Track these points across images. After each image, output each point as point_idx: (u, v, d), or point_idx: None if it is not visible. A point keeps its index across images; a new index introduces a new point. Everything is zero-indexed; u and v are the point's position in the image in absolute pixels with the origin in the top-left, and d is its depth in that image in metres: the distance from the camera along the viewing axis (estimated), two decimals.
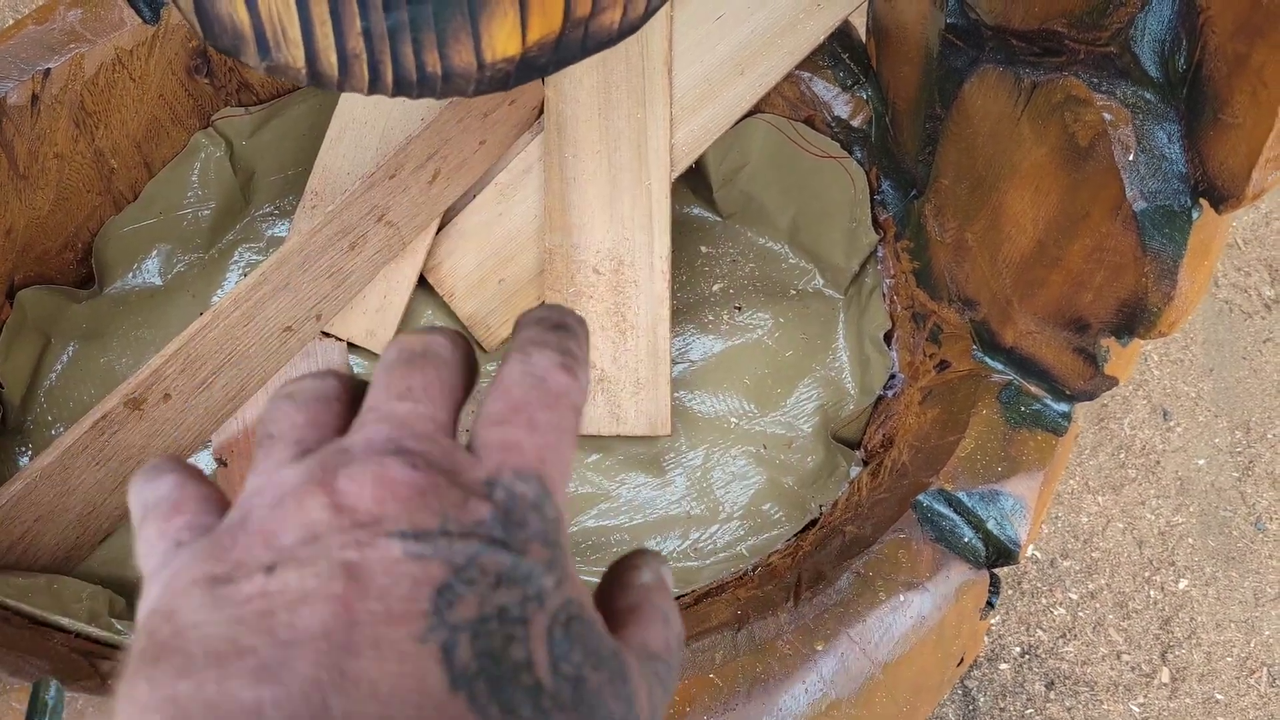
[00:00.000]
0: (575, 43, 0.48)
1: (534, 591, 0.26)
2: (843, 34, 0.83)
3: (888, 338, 0.84)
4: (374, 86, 0.49)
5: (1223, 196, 0.54)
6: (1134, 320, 0.61)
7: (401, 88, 0.49)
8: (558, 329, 0.31)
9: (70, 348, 0.82)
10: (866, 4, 0.82)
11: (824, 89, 0.83)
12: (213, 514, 0.30)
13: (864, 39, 0.83)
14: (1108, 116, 0.57)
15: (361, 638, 0.24)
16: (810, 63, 0.83)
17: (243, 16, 0.47)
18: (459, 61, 0.47)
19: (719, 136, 0.84)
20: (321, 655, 0.24)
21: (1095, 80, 0.58)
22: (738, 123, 0.85)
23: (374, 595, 0.25)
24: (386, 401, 0.29)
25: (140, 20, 0.78)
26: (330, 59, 0.48)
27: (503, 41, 0.46)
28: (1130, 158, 0.56)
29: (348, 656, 0.24)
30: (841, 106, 0.83)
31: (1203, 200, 0.56)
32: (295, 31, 0.47)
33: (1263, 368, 1.12)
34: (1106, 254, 0.60)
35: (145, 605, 0.28)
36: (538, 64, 0.48)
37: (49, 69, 0.75)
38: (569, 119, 0.83)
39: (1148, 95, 0.56)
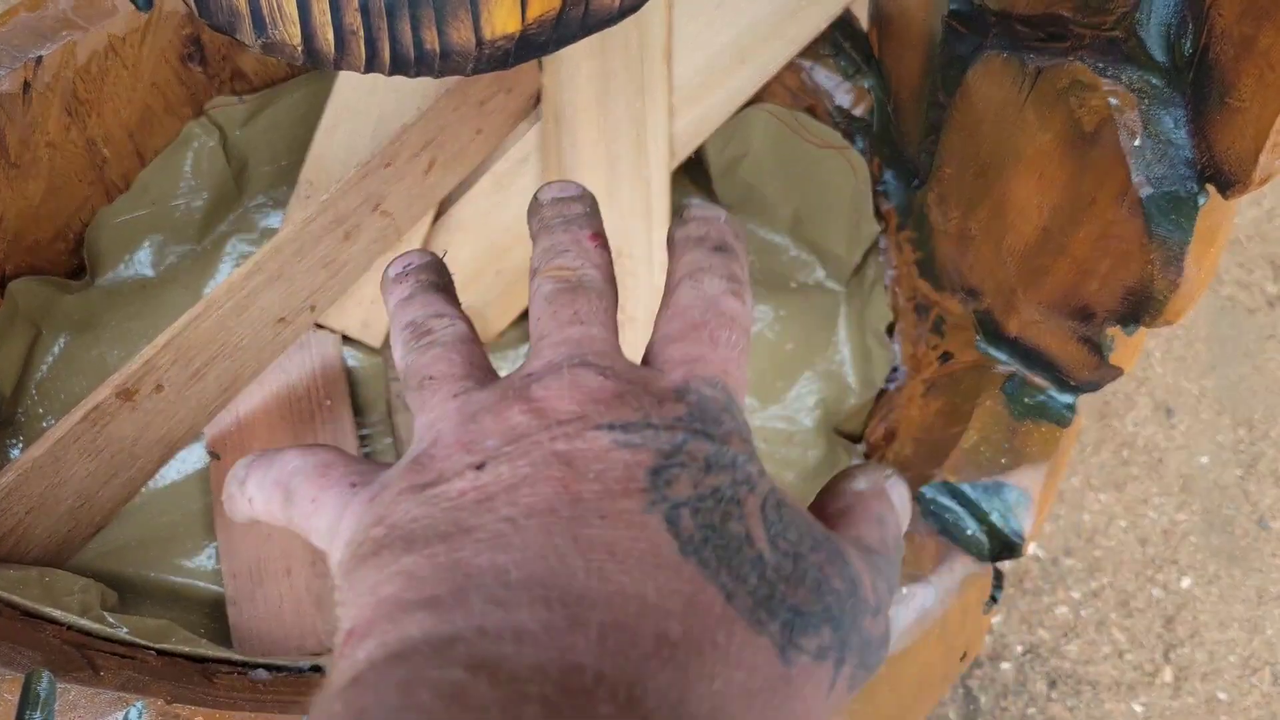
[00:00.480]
0: (576, 20, 0.47)
1: (742, 476, 0.26)
2: (844, 22, 0.83)
3: (890, 330, 0.83)
4: (371, 64, 0.48)
5: (1230, 181, 0.53)
6: (1140, 308, 0.60)
7: (399, 65, 0.48)
8: (720, 251, 0.32)
9: (61, 339, 0.81)
10: None
11: (825, 78, 0.82)
12: (367, 463, 0.30)
13: (866, 27, 0.83)
14: (1114, 101, 0.56)
15: (587, 510, 0.24)
16: (811, 51, 0.82)
17: None
18: (458, 39, 0.46)
19: (719, 126, 0.83)
20: (551, 524, 0.24)
21: (1101, 65, 0.57)
22: (738, 112, 0.84)
23: (591, 477, 0.25)
24: (558, 328, 0.30)
25: (133, 6, 0.77)
26: (327, 36, 0.47)
27: (502, 19, 0.45)
28: (1136, 143, 0.56)
29: (577, 525, 0.24)
30: (843, 96, 0.82)
31: (1209, 186, 0.55)
32: (292, 8, 0.46)
33: (1266, 365, 1.12)
34: (1112, 241, 0.59)
35: (340, 541, 0.28)
36: (537, 42, 0.47)
37: (41, 56, 0.74)
38: (566, 108, 0.82)
39: (1154, 80, 0.55)
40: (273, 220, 0.88)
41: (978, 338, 0.73)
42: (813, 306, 0.87)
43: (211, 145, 0.83)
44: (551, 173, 0.82)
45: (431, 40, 0.47)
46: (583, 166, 0.81)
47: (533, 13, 0.47)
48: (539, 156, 0.83)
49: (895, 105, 0.79)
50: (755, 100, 0.84)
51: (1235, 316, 1.14)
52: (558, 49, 0.49)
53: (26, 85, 0.74)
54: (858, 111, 0.81)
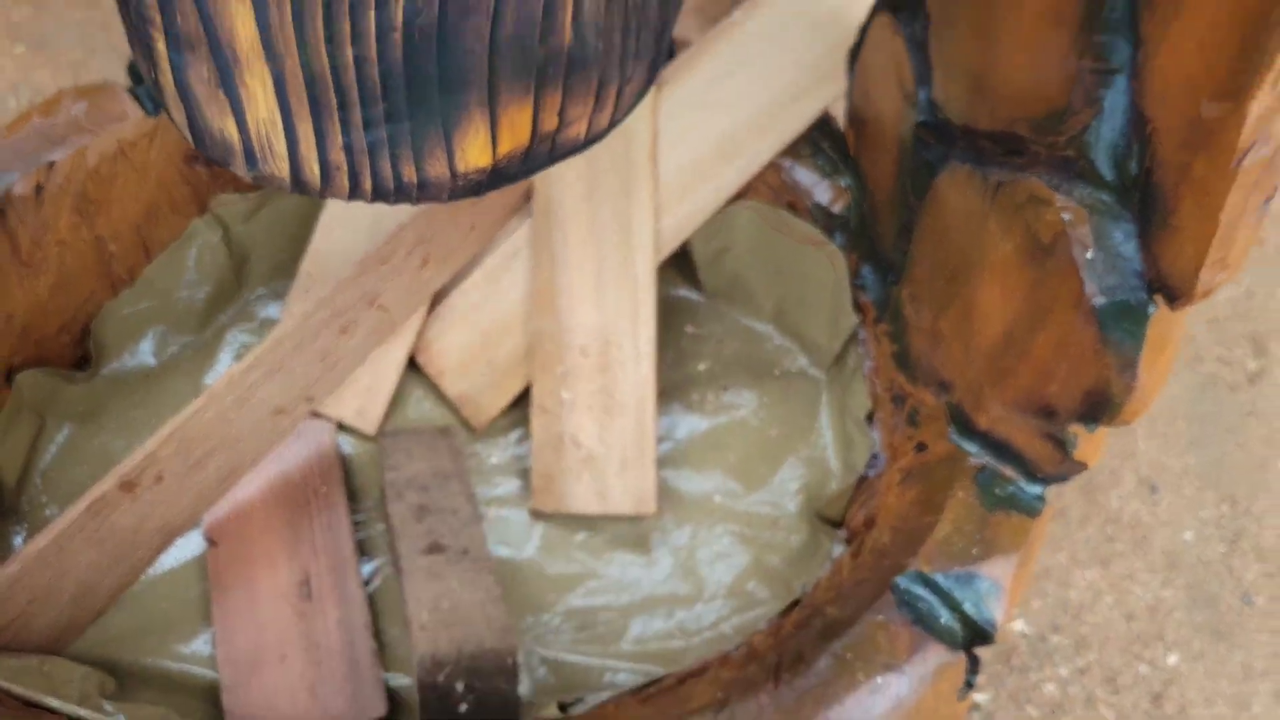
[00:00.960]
0: (543, 153, 0.50)
1: None
2: (823, 123, 0.86)
3: (870, 417, 0.85)
4: (353, 194, 0.51)
5: (1175, 294, 0.55)
6: (1098, 409, 0.62)
7: (379, 195, 0.51)
8: None
9: (65, 429, 0.83)
10: (845, 95, 0.85)
11: (805, 176, 0.85)
12: None
13: (843, 127, 0.86)
14: (1067, 216, 0.59)
15: None
16: (791, 150, 0.85)
17: (232, 132, 0.50)
18: (434, 173, 0.49)
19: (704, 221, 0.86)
20: None
21: (1055, 181, 0.60)
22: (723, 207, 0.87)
23: None
24: None
25: (143, 113, 0.80)
26: (313, 170, 0.50)
27: (475, 155, 0.48)
28: (1089, 256, 0.58)
29: None
30: (822, 193, 0.85)
31: (1158, 296, 0.57)
32: (281, 146, 0.49)
33: (1247, 441, 1.14)
34: (1070, 347, 0.61)
35: None
36: (508, 173, 0.51)
37: (53, 161, 0.77)
38: (557, 206, 0.85)
39: (1104, 197, 0.58)
40: (272, 311, 0.91)
41: (950, 430, 0.75)
42: (796, 393, 0.89)
43: (215, 241, 0.86)
44: (543, 269, 0.85)
45: (410, 174, 0.50)
46: (572, 266, 0.84)
47: (503, 149, 0.49)
48: (530, 251, 0.86)
49: (871, 204, 0.82)
50: (738, 196, 0.87)
51: (1216, 393, 1.16)
52: (527, 177, 0.51)
53: (39, 188, 0.77)
54: (836, 209, 0.84)
